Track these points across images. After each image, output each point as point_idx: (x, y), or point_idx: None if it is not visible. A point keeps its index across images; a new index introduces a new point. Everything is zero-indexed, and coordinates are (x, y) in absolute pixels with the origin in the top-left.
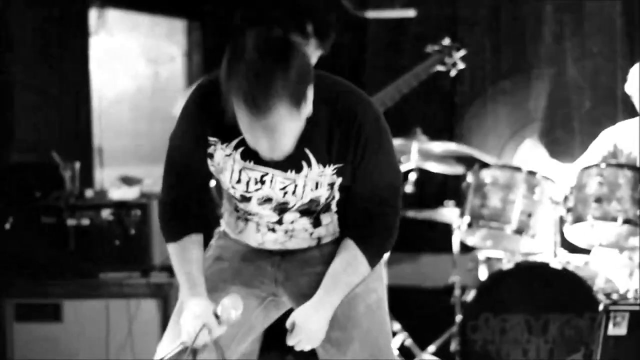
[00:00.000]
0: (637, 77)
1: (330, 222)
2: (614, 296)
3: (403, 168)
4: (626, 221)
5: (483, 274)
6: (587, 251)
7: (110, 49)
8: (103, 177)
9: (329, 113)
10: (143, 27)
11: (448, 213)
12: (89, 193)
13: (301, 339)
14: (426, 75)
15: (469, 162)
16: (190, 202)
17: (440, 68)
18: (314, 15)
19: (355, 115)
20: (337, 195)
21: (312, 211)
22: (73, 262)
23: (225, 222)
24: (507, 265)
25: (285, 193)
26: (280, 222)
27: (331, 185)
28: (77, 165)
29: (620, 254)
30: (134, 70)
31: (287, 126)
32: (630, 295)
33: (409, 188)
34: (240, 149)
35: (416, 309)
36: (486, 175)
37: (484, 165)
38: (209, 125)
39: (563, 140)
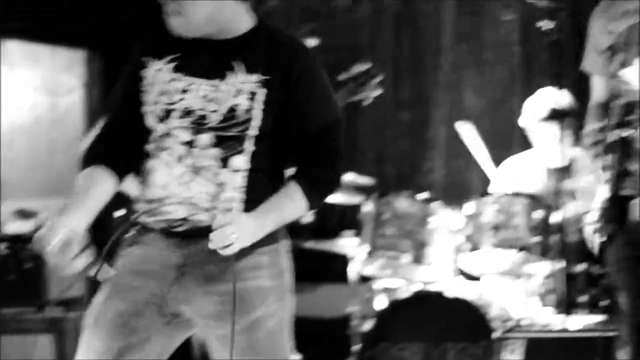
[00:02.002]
0: (531, 111)
1: (237, 172)
2: (509, 323)
3: None
4: (522, 248)
5: (381, 303)
6: (483, 279)
7: (7, 80)
8: None
9: (267, 38)
10: (43, 58)
11: (346, 243)
12: None
13: (233, 232)
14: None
15: (368, 192)
16: (118, 138)
17: (354, 98)
18: None
19: (291, 42)
20: (256, 118)
21: (226, 139)
22: None
23: (139, 177)
24: (404, 294)
25: (205, 101)
26: (191, 145)
27: (252, 95)
28: None
29: (517, 281)
30: (32, 102)
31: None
32: (525, 322)
33: (307, 218)
34: (173, 64)
35: (315, 339)
36: (384, 204)
37: (382, 194)
38: (142, 48)
39: (461, 169)
